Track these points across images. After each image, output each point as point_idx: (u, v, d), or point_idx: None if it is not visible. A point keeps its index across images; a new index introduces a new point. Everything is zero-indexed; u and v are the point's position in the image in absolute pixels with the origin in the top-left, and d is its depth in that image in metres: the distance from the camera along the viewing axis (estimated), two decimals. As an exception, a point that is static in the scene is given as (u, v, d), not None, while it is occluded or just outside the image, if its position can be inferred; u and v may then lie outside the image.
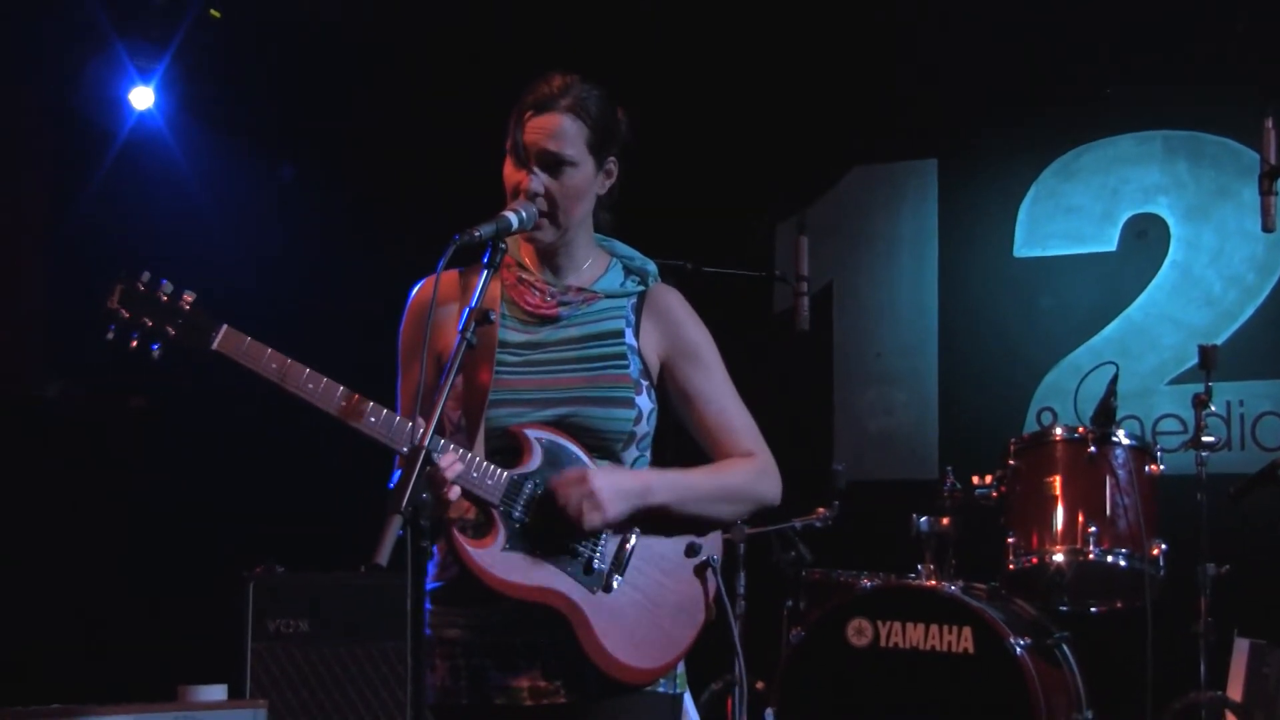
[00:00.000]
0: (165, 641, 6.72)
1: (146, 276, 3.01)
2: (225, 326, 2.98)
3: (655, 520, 3.12)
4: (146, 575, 7.14)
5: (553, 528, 3.02)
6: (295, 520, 6.97)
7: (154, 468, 7.36)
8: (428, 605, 3.15)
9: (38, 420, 7.36)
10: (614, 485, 3.03)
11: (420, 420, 2.80)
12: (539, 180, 3.10)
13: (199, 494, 7.22)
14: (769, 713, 5.57)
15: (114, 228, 7.40)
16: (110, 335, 2.98)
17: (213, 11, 7.39)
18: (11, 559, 6.82)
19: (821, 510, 5.97)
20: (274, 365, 2.97)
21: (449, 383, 2.82)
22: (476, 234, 2.94)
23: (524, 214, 3.05)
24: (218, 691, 5.01)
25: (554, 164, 3.10)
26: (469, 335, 2.87)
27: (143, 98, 7.47)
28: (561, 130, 3.10)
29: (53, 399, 7.44)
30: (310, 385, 2.97)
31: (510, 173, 3.15)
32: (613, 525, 3.05)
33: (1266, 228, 5.31)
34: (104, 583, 7.06)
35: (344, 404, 2.96)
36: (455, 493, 2.91)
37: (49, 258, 7.66)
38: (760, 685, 5.81)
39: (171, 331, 2.97)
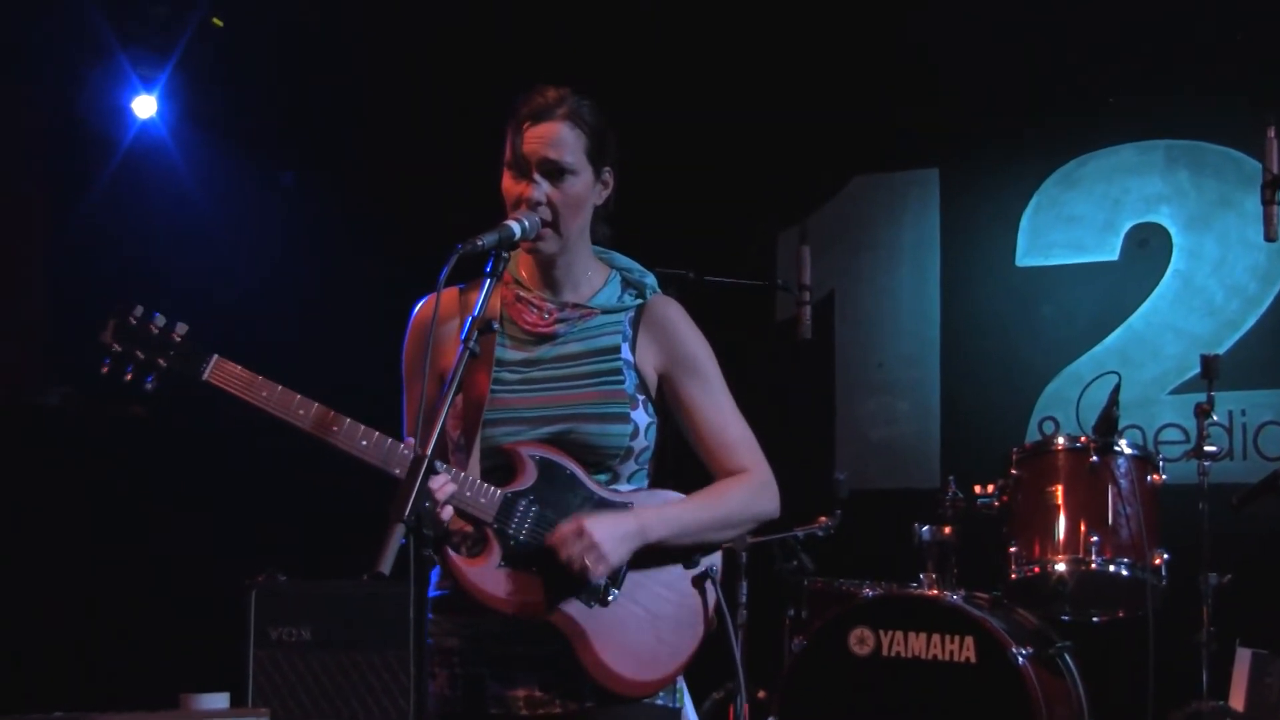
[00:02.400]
0: (167, 649, 6.72)
1: (140, 311, 3.07)
2: (215, 357, 3.05)
3: (654, 553, 3.13)
4: (148, 582, 7.13)
5: (549, 552, 3.03)
6: (297, 528, 6.97)
7: (155, 476, 7.35)
8: (429, 614, 3.15)
9: (39, 428, 7.36)
10: (612, 531, 3.03)
11: (410, 440, 2.81)
12: (541, 189, 3.10)
13: (200, 502, 7.22)
14: (771, 722, 5.57)
15: (116, 236, 7.41)
16: (105, 369, 3.04)
17: (215, 20, 7.40)
18: (13, 566, 6.82)
19: (823, 519, 5.96)
20: (264, 393, 3.02)
21: (451, 393, 2.82)
22: (479, 243, 2.94)
23: (526, 223, 3.06)
24: (220, 700, 5.00)
25: (555, 172, 3.11)
26: (472, 344, 2.87)
27: (145, 106, 7.47)
28: (561, 138, 3.12)
29: (54, 407, 7.43)
30: (300, 411, 3.01)
31: (510, 185, 3.15)
32: (617, 569, 3.06)
33: (1268, 237, 5.31)
34: (105, 590, 7.05)
35: (334, 429, 3.00)
36: (448, 513, 2.92)
37: (51, 266, 7.66)
38: (762, 695, 5.81)
39: (163, 363, 3.05)
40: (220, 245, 7.41)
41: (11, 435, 7.17)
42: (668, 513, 3.16)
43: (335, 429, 2.99)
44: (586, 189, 3.17)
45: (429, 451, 2.70)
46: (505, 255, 3.01)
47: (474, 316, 2.90)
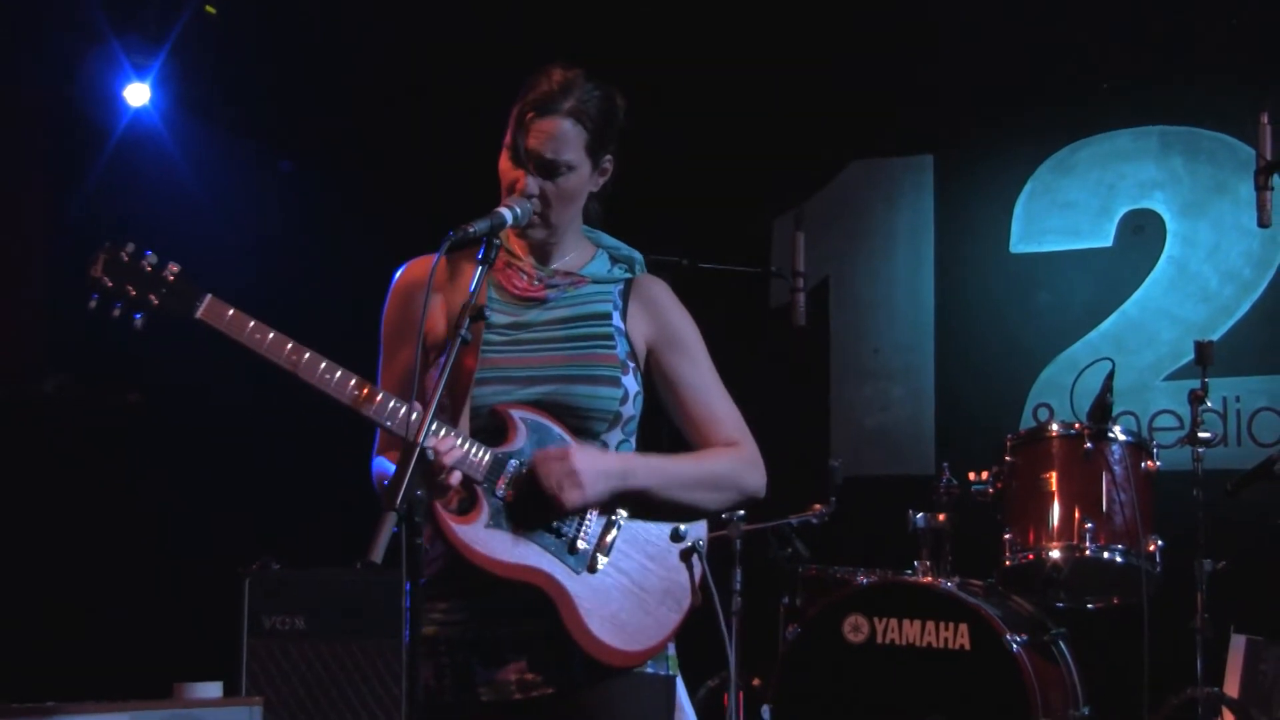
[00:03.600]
0: (160, 638, 6.72)
1: (131, 247, 3.00)
2: (209, 296, 2.99)
3: (638, 504, 3.13)
4: (142, 572, 7.13)
5: (536, 506, 3.02)
6: (291, 517, 6.97)
7: (150, 464, 7.35)
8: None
9: (34, 416, 7.35)
10: (594, 465, 3.04)
11: (416, 405, 2.80)
12: (535, 183, 3.11)
13: (195, 490, 7.22)
14: (766, 709, 5.57)
15: (110, 223, 7.39)
16: (93, 304, 2.98)
17: (208, 8, 7.38)
18: (6, 555, 6.82)
19: (818, 506, 5.96)
20: (257, 336, 2.97)
21: (444, 378, 2.82)
22: (471, 230, 2.94)
23: (518, 210, 3.06)
24: (213, 689, 5.00)
25: (551, 169, 3.11)
26: (464, 332, 2.87)
27: (138, 94, 7.45)
28: (562, 136, 3.11)
29: (49, 394, 7.43)
30: (293, 357, 2.97)
31: (507, 168, 3.15)
32: (592, 504, 3.06)
33: (1262, 223, 5.32)
34: (99, 579, 7.05)
35: (327, 377, 2.97)
36: (457, 478, 2.92)
37: (45, 253, 7.65)
38: (757, 682, 5.81)
39: (155, 300, 2.97)
40: (215, 233, 7.39)
41: (6, 423, 7.16)
42: (654, 461, 3.17)
43: (328, 377, 2.97)
44: (582, 182, 3.18)
45: (421, 440, 2.70)
46: (497, 241, 3.01)
47: (466, 303, 2.90)
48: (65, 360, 7.39)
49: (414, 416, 2.79)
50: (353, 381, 2.98)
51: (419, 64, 7.61)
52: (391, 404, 2.98)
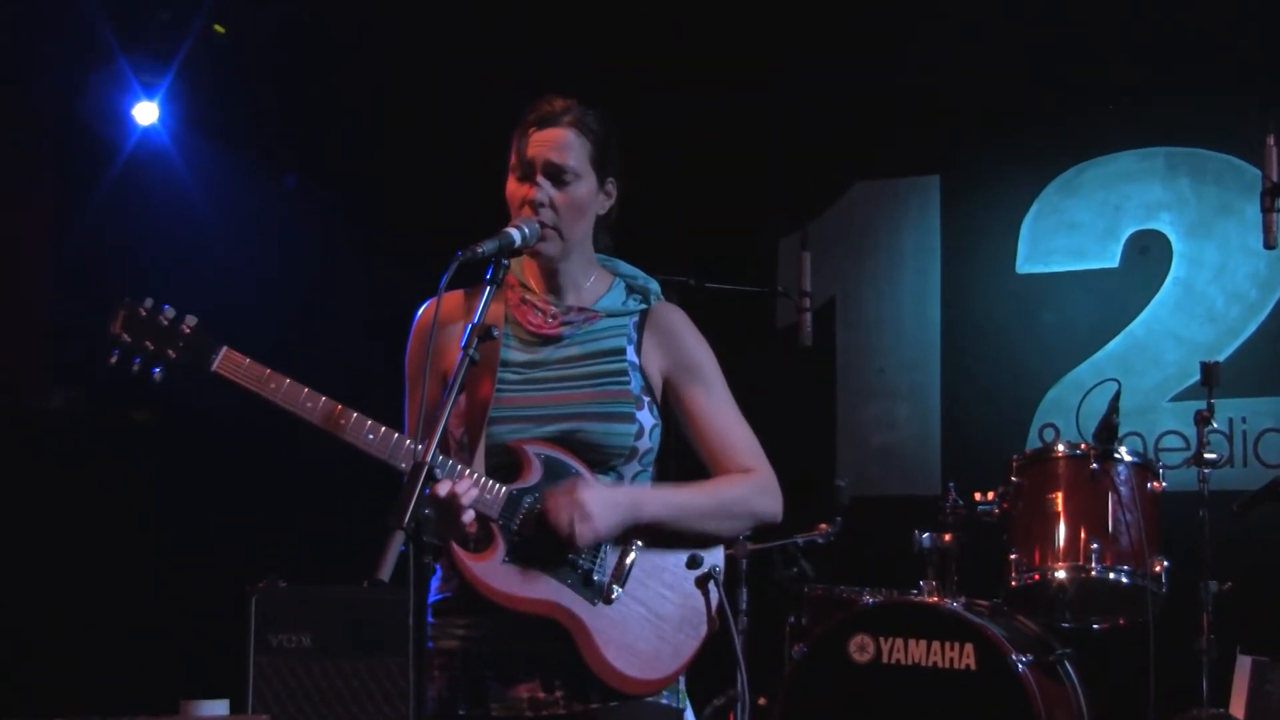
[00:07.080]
0: (167, 655, 6.72)
1: (149, 302, 3.09)
2: (225, 349, 3.06)
3: (652, 535, 3.14)
4: (149, 588, 7.13)
5: (550, 541, 3.04)
6: (298, 534, 6.97)
7: (157, 480, 7.36)
8: (430, 618, 3.17)
9: (41, 432, 7.36)
10: (603, 499, 3.05)
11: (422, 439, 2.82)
12: (544, 191, 3.13)
13: (201, 507, 7.22)
14: (771, 729, 5.57)
15: (118, 241, 7.42)
16: (113, 360, 3.06)
17: (217, 27, 7.41)
18: (13, 571, 6.82)
19: (824, 526, 5.97)
20: (272, 385, 3.04)
21: (451, 399, 2.84)
22: (480, 250, 2.96)
23: (527, 230, 3.08)
24: (220, 706, 5.01)
25: (558, 175, 3.15)
26: (471, 351, 2.89)
27: (147, 113, 7.48)
28: (566, 142, 3.15)
29: (56, 410, 7.44)
30: (309, 404, 3.03)
31: (514, 188, 3.18)
32: (605, 538, 3.07)
33: (1268, 244, 5.32)
34: (106, 596, 7.05)
35: (342, 422, 3.02)
36: (469, 516, 2.93)
37: (53, 270, 7.67)
38: (763, 701, 5.81)
39: (172, 354, 3.06)
40: (222, 249, 7.42)
41: (13, 438, 7.17)
42: (664, 493, 3.19)
43: (343, 422, 3.02)
44: (589, 194, 3.20)
45: (429, 459, 2.71)
46: (505, 262, 3.03)
47: (474, 324, 2.91)
48: (73, 376, 7.40)
49: (420, 447, 2.81)
50: (367, 424, 3.03)
51: (427, 80, 7.62)
52: (407, 444, 3.01)
